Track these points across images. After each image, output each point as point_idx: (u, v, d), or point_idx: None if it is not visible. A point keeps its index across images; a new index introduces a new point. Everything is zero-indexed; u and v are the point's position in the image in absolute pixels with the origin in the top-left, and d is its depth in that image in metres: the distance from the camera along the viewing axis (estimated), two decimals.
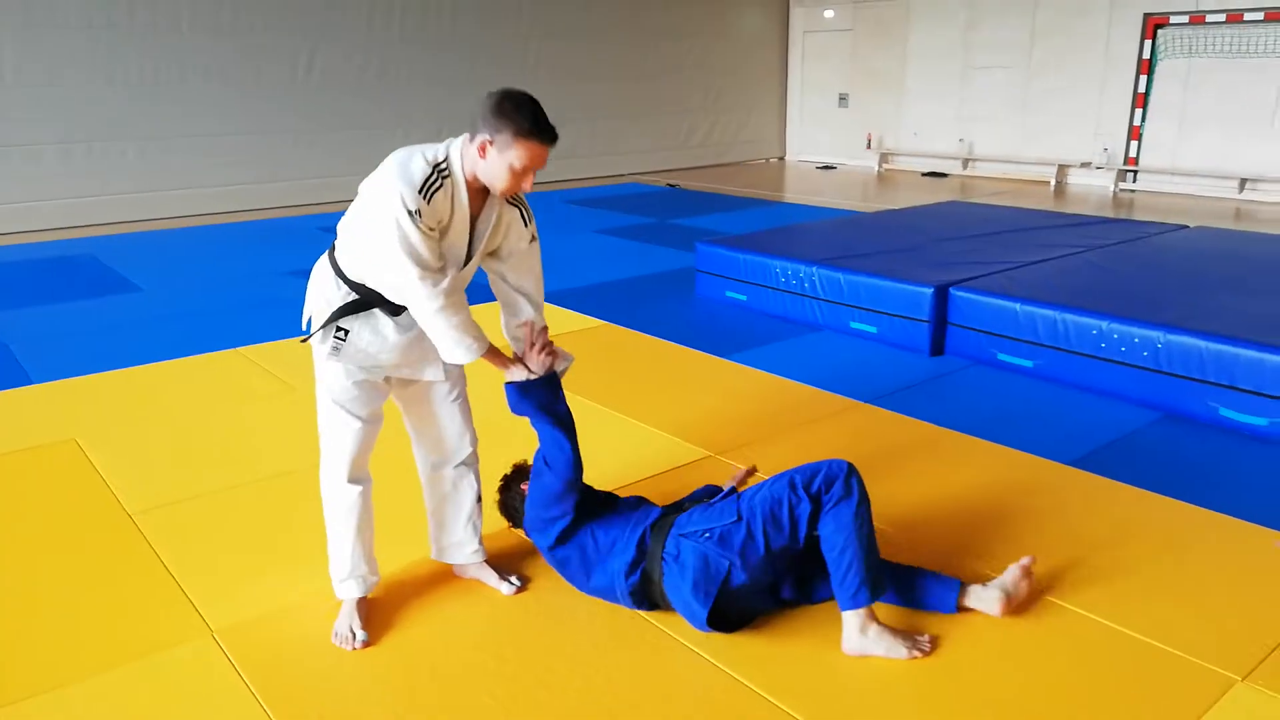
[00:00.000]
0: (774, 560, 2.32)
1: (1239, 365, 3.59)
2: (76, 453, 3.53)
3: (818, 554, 2.35)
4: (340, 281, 2.30)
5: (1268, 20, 9.57)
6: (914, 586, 2.43)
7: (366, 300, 2.29)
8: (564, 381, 2.49)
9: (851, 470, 2.30)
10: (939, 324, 4.62)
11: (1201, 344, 3.70)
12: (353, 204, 2.28)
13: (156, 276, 6.72)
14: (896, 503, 3.01)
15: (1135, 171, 10.82)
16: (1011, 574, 2.51)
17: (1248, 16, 9.68)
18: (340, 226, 2.33)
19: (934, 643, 2.31)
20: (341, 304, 2.29)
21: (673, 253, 7.38)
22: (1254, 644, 2.29)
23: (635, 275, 6.65)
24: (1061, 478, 3.25)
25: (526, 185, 2.20)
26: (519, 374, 2.41)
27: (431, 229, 2.15)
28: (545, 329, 2.47)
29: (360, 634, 2.37)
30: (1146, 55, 10.51)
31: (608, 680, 2.21)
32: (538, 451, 2.48)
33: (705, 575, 2.29)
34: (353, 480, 2.40)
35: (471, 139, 2.17)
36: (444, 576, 2.66)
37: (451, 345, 2.23)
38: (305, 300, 2.40)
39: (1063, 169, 11.36)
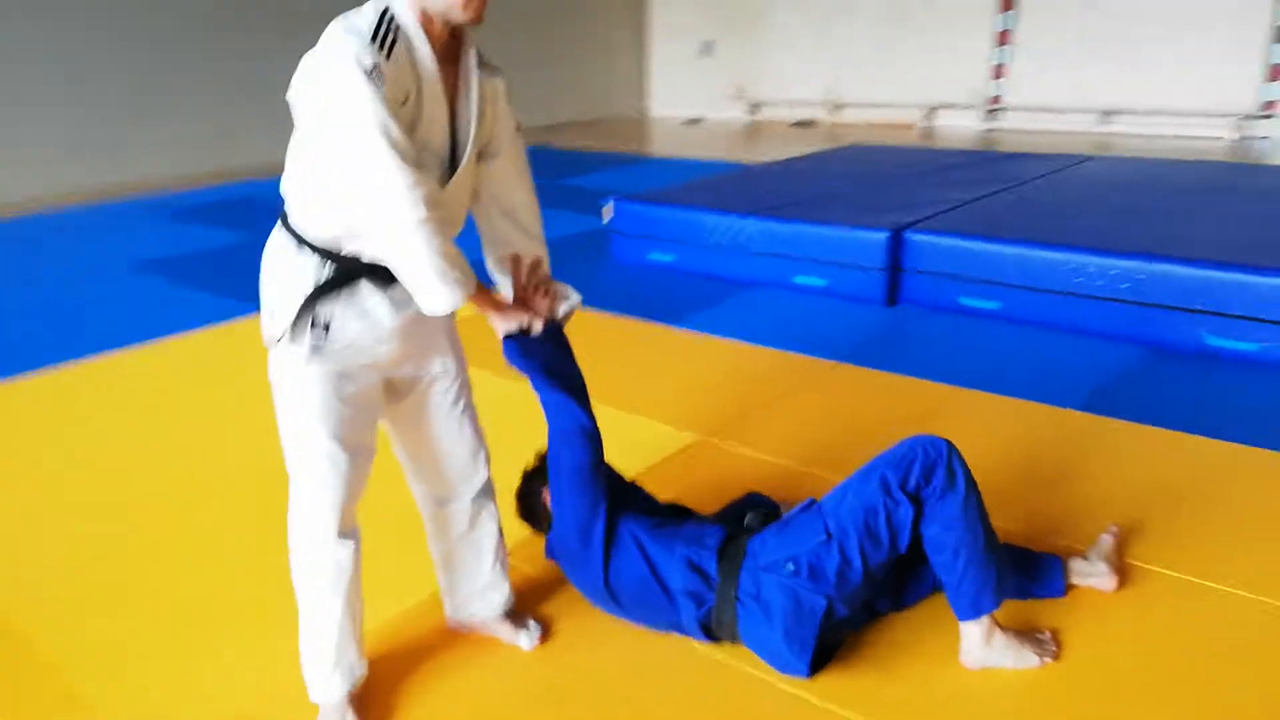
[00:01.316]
0: (873, 579, 1.91)
1: (1227, 290, 3.45)
2: None
3: (912, 551, 1.96)
4: (306, 249, 1.68)
5: None
6: (1015, 571, 2.08)
7: (346, 271, 1.68)
8: None
9: (951, 450, 1.90)
10: (893, 271, 4.32)
11: (1186, 271, 3.54)
12: (294, 131, 1.66)
13: None
14: None
15: (1001, 110, 11.01)
16: (1106, 543, 2.22)
17: None
18: (285, 177, 1.71)
19: (1057, 640, 1.97)
20: (315, 283, 1.68)
21: (570, 215, 6.82)
22: None
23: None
24: (1076, 424, 3.00)
25: None
26: (513, 323, 1.84)
27: (400, 102, 1.54)
28: (540, 262, 1.92)
29: None
30: None
31: None
32: (551, 441, 1.97)
33: (798, 619, 1.85)
34: (343, 535, 1.79)
35: None
36: (436, 637, 2.10)
37: (434, 279, 1.57)
38: (261, 295, 1.78)
39: (930, 111, 11.44)
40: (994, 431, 2.95)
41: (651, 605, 1.98)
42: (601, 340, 4.07)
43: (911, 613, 2.07)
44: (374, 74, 1.49)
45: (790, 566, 1.88)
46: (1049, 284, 3.88)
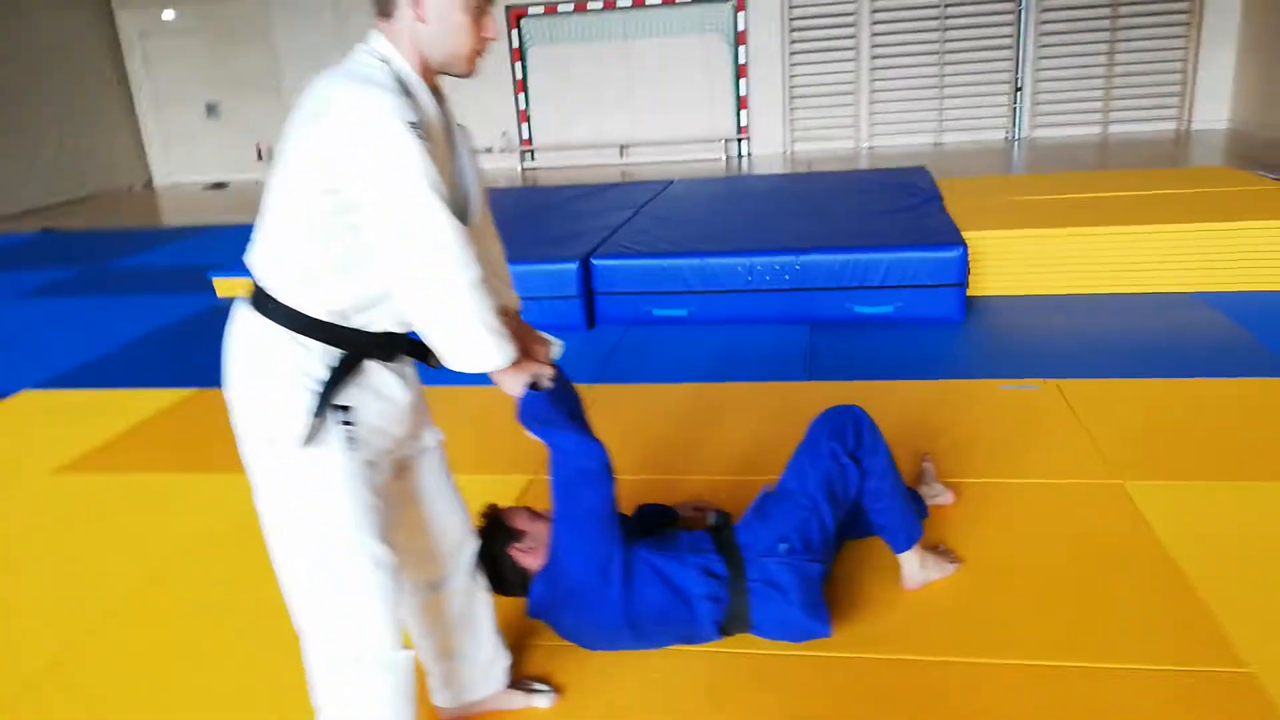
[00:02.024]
0: (836, 535, 2.18)
1: (866, 267, 4.34)
2: None
3: None
4: (304, 337, 1.47)
5: (607, 9, 11.27)
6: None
7: (356, 351, 1.52)
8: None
9: (862, 413, 2.25)
10: (588, 296, 4.63)
11: (833, 257, 4.37)
12: (278, 189, 1.47)
13: None
14: (723, 461, 3.01)
15: (532, 151, 11.93)
16: (930, 469, 2.75)
17: (590, 6, 11.27)
18: (265, 253, 1.49)
19: (949, 548, 2.41)
20: (326, 369, 1.48)
21: (180, 298, 6.00)
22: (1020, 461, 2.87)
23: (146, 332, 5.27)
24: (788, 391, 3.59)
25: (491, 31, 1.59)
26: (529, 377, 1.74)
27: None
28: (518, 311, 1.89)
29: None
30: (516, 44, 11.57)
31: None
32: (568, 487, 1.92)
33: (809, 589, 2.05)
34: (399, 644, 1.58)
35: (385, 12, 1.51)
36: None
37: (486, 338, 1.50)
38: (239, 393, 1.48)
39: None
40: (725, 413, 3.40)
41: (672, 621, 2.03)
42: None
43: (839, 566, 2.36)
44: (418, 129, 1.41)
45: (784, 546, 2.07)
46: (727, 285, 4.50)
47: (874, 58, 10.92)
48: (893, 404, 3.20)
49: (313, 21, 11.87)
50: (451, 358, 1.52)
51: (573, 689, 2.00)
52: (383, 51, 1.50)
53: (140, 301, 6.01)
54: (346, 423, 1.49)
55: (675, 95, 11.30)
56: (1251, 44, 10.11)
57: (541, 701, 1.96)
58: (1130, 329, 4.15)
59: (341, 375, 1.49)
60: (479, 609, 1.89)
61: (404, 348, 1.60)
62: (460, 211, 1.58)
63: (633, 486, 2.82)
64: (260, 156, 12.34)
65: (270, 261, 1.48)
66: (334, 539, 1.51)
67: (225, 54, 12.20)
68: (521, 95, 11.74)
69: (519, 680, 2.00)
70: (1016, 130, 11.01)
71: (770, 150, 11.39)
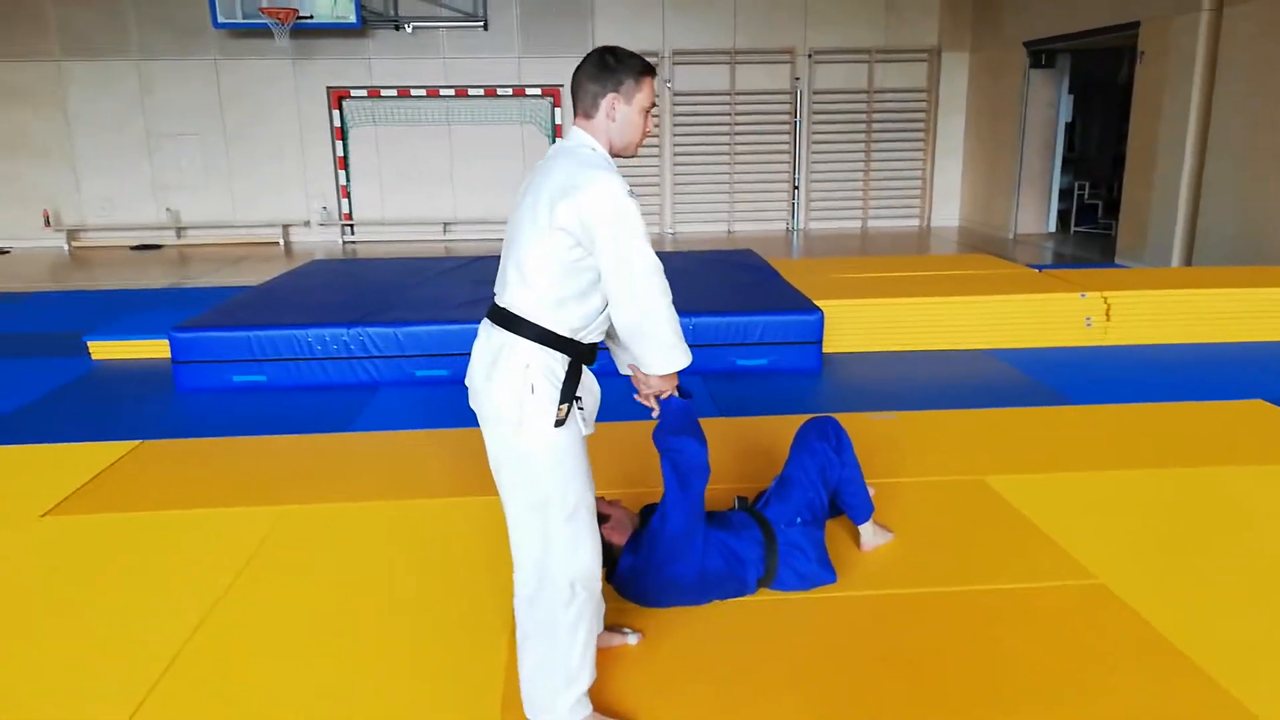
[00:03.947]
0: None
1: (745, 327, 5.25)
2: None
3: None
4: (551, 348, 2.07)
5: (430, 96, 11.87)
6: None
7: (579, 357, 2.12)
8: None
9: (834, 420, 3.07)
10: None
11: (720, 320, 5.25)
12: (534, 242, 2.06)
13: None
14: None
15: (353, 225, 12.15)
16: None
17: (414, 92, 11.83)
18: (528, 292, 2.06)
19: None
20: (565, 370, 2.07)
21: (27, 363, 5.84)
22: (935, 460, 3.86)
23: (29, 399, 5.17)
24: (723, 424, 4.39)
25: (651, 127, 2.22)
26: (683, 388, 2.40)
27: None
28: None
29: None
30: (338, 123, 11.87)
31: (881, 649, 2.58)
32: (686, 475, 2.53)
33: (819, 548, 2.80)
34: (600, 576, 2.19)
35: (589, 114, 2.15)
36: None
37: (676, 343, 2.14)
38: (504, 395, 2.04)
39: (287, 229, 12.00)
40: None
41: (729, 579, 2.69)
42: (293, 453, 4.09)
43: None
44: (632, 193, 2.07)
45: (800, 519, 2.81)
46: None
47: (676, 154, 12.27)
48: (788, 432, 4.04)
49: (110, 90, 11.53)
50: (644, 358, 2.15)
51: (650, 630, 2.60)
52: (590, 142, 2.14)
53: (8, 365, 5.79)
54: (580, 409, 2.08)
55: (496, 177, 12.03)
56: (971, 158, 12.46)
57: (633, 639, 2.54)
58: (948, 374, 5.34)
59: (575, 375, 2.08)
60: None
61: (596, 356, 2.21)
62: None
63: (628, 500, 3.45)
64: (48, 223, 11.64)
65: (528, 293, 2.06)
66: (573, 492, 2.07)
67: (14, 119, 11.50)
68: (342, 171, 11.98)
69: (611, 625, 2.57)
70: (795, 221, 12.70)
71: None
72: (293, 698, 2.34)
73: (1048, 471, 3.70)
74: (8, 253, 11.44)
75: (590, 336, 2.14)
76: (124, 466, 3.92)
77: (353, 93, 11.76)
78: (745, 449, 3.85)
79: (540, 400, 2.03)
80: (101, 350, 5.88)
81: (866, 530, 3.06)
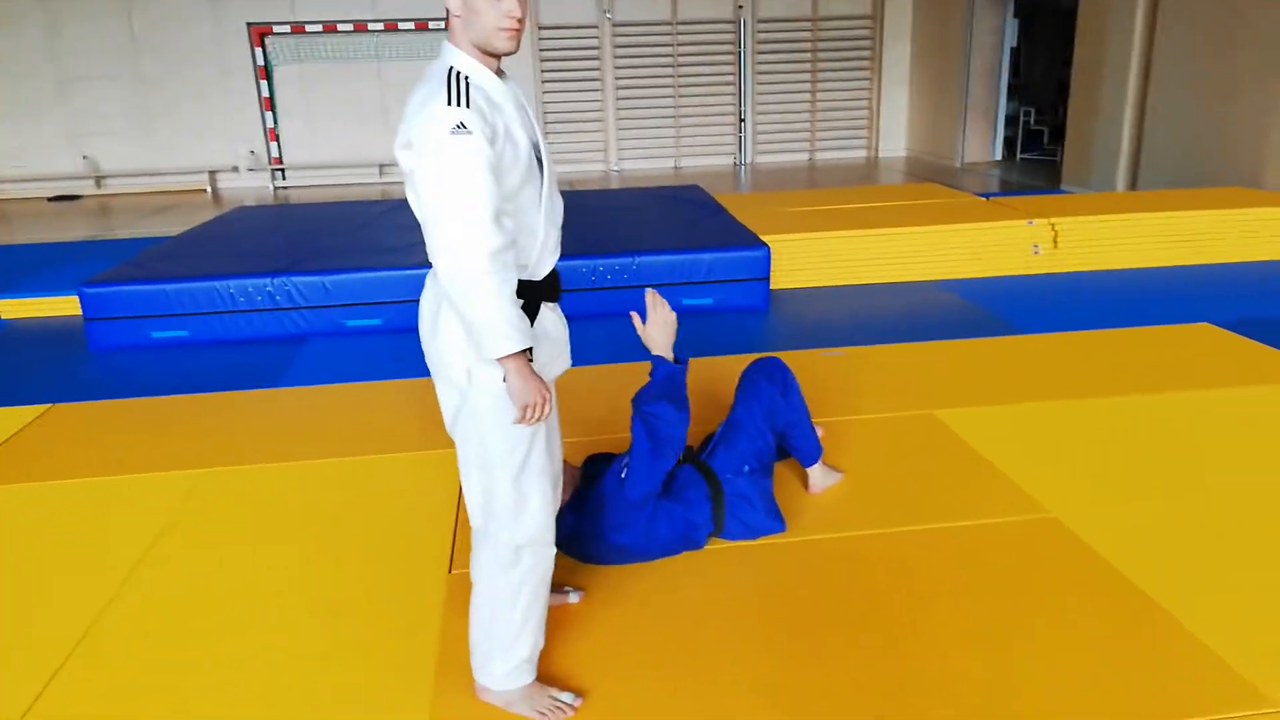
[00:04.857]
0: None
1: (690, 265, 5.08)
2: None
3: None
4: None
5: (357, 31, 11.34)
6: None
7: (533, 294, 1.91)
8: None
9: (781, 361, 2.94)
10: None
11: (664, 258, 5.07)
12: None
13: None
14: None
15: (283, 170, 11.65)
16: None
17: (340, 27, 11.28)
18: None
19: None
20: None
21: None
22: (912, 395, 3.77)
23: None
24: None
25: (518, 9, 1.78)
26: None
27: (491, 140, 1.73)
28: None
29: (567, 695, 2.05)
30: (261, 62, 11.30)
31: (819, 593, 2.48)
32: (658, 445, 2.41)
33: (767, 497, 2.69)
34: (552, 542, 2.03)
35: (448, 23, 1.82)
36: None
37: (497, 330, 1.75)
38: (436, 354, 1.87)
39: (214, 175, 11.48)
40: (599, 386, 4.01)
41: (682, 540, 2.56)
42: (219, 410, 3.87)
43: None
44: (461, 129, 1.69)
45: (747, 467, 2.69)
46: (573, 285, 5.03)
47: (618, 89, 11.92)
48: (736, 371, 3.93)
49: (14, 31, 10.83)
50: (475, 343, 1.82)
51: (593, 588, 2.47)
52: (447, 60, 1.79)
53: None
54: (530, 359, 1.85)
55: None
56: (917, 86, 12.30)
57: (574, 598, 2.41)
58: (898, 308, 5.24)
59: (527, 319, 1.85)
60: None
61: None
62: (531, 172, 1.86)
63: (571, 449, 3.31)
64: None
65: None
66: (520, 449, 1.89)
67: None
68: (269, 113, 11.45)
69: (553, 585, 2.43)
70: (743, 155, 12.49)
71: None
72: (211, 671, 2.18)
73: (998, 403, 3.63)
74: None
75: (543, 269, 1.93)
76: (32, 433, 3.68)
77: (275, 29, 11.18)
78: (692, 391, 3.70)
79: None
80: (9, 309, 5.54)
81: (815, 472, 2.95)
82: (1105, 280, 5.78)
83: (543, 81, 11.66)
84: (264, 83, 11.34)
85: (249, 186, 11.60)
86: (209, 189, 11.45)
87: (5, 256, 7.42)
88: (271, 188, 11.52)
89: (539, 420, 1.85)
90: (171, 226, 8.63)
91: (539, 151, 1.91)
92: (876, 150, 12.72)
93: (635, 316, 2.44)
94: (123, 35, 11.00)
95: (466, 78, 1.76)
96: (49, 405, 3.95)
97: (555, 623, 2.29)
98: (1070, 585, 2.41)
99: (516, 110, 1.85)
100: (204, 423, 3.74)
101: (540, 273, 1.93)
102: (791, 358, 4.24)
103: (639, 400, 2.40)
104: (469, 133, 1.70)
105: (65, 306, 5.39)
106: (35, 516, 3.00)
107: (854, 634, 2.24)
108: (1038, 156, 11.68)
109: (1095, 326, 4.67)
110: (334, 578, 2.58)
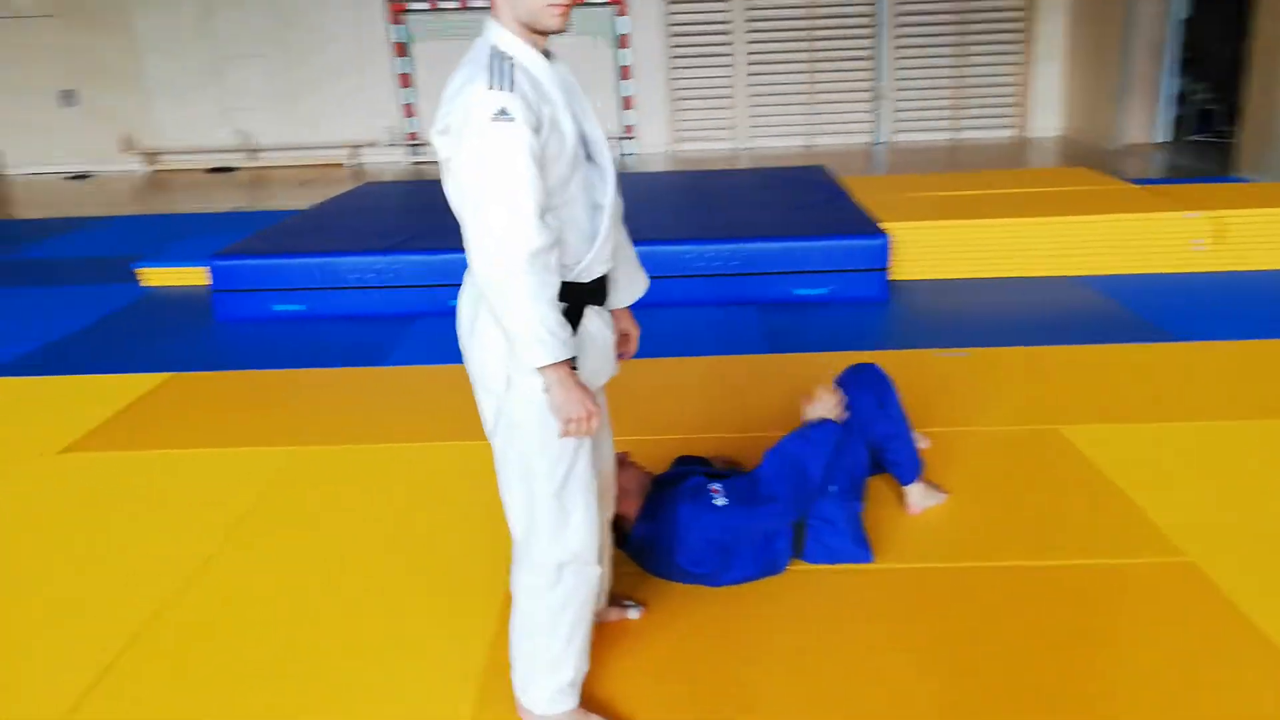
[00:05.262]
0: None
1: (805, 254, 4.84)
2: None
3: None
4: None
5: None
6: None
7: (578, 298, 1.75)
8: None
9: (880, 370, 2.70)
10: None
11: (775, 245, 4.85)
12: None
13: None
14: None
15: (417, 145, 11.93)
16: None
17: (475, 4, 11.40)
18: None
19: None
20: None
21: (82, 289, 5.83)
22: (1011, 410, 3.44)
23: (79, 324, 5.13)
24: (777, 362, 4.05)
25: None
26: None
27: (537, 129, 1.59)
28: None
29: None
30: (399, 38, 11.55)
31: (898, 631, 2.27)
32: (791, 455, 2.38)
33: (855, 524, 2.48)
34: (599, 559, 1.90)
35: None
36: None
37: (537, 337, 1.61)
38: (474, 359, 1.78)
39: (356, 149, 11.86)
40: (703, 380, 3.83)
41: (755, 571, 2.38)
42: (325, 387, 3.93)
43: None
44: (504, 115, 1.55)
45: (834, 487, 2.48)
46: (679, 270, 4.89)
47: (750, 64, 11.59)
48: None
49: (174, 13, 11.44)
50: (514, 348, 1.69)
51: (656, 603, 2.33)
52: (491, 37, 1.66)
53: (56, 293, 5.80)
54: (573, 368, 1.71)
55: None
56: (1073, 61, 11.43)
57: (633, 614, 2.28)
58: (1031, 306, 4.83)
59: (571, 325, 1.72)
60: (607, 539, 2.17)
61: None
62: (579, 160, 1.71)
63: (661, 446, 3.17)
64: (126, 147, 11.76)
65: None
66: (564, 462, 1.77)
67: (83, 42, 11.55)
68: (405, 90, 11.72)
69: (614, 597, 2.31)
70: (879, 134, 11.95)
71: (655, 150, 11.87)
72: (259, 660, 2.17)
73: (1136, 421, 3.26)
74: (89, 177, 11.63)
75: (593, 270, 1.77)
76: (151, 401, 3.84)
77: (412, 6, 11.40)
78: (793, 391, 3.49)
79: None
80: (150, 277, 5.83)
81: (914, 491, 2.71)
82: (1278, 283, 5.16)
83: (672, 57, 11.47)
84: (401, 60, 11.59)
85: (387, 161, 11.93)
86: (351, 163, 11.84)
87: (157, 226, 7.86)
88: (406, 163, 11.81)
89: (585, 434, 1.72)
90: (314, 199, 8.95)
91: (587, 143, 1.76)
92: (1026, 130, 11.93)
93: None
94: (270, 14, 11.45)
95: (511, 59, 1.62)
96: (170, 374, 4.12)
97: (610, 639, 2.17)
98: (1203, 648, 2.10)
99: (564, 95, 1.69)
100: (307, 399, 3.81)
101: (590, 275, 1.78)
102: (906, 357, 3.98)
103: (788, 446, 2.35)
104: (511, 119, 1.56)
105: (199, 277, 5.62)
106: (134, 486, 3.11)
107: (935, 682, 2.02)
108: (1209, 139, 10.65)
109: (1263, 336, 4.17)
110: (405, 568, 2.55)
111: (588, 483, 1.83)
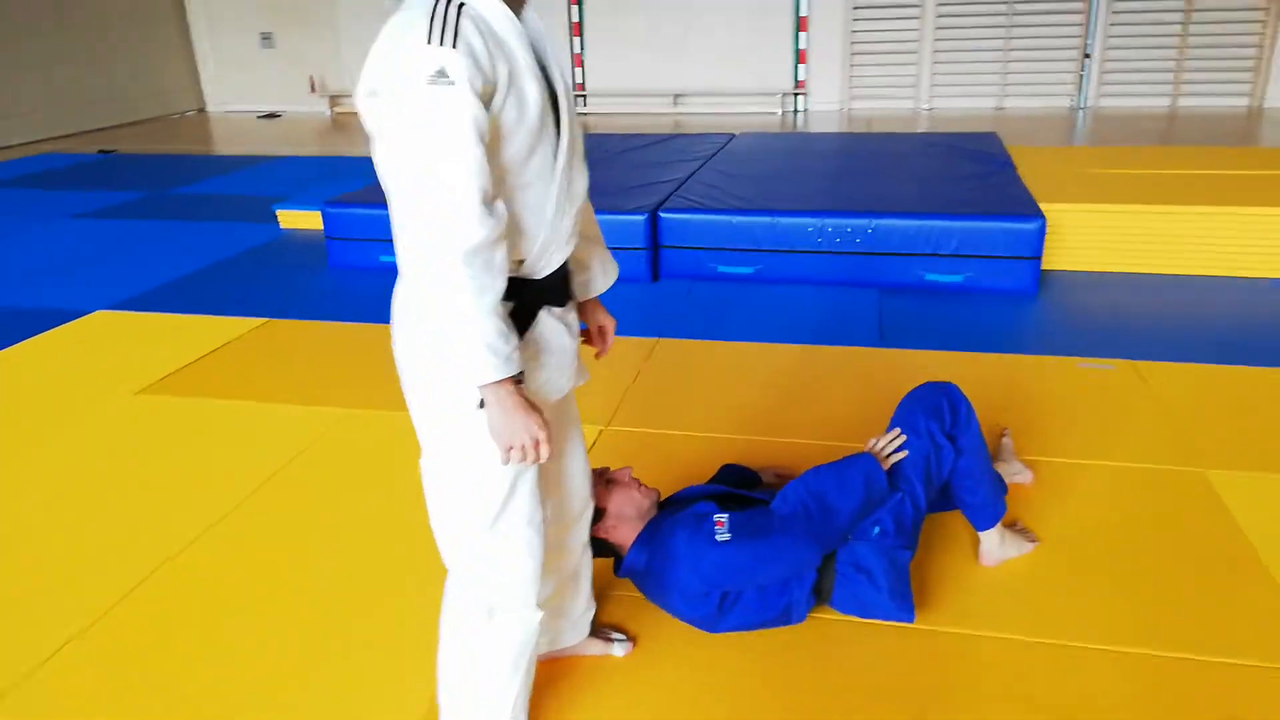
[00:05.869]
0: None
1: (939, 235, 4.27)
2: None
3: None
4: None
5: None
6: None
7: (531, 297, 1.48)
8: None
9: (957, 389, 2.24)
10: (654, 249, 4.62)
11: (907, 223, 4.31)
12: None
13: None
14: (809, 424, 3.01)
15: (585, 96, 11.80)
16: (1008, 446, 2.73)
17: None
18: None
19: (1027, 527, 2.40)
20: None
21: (229, 226, 6.06)
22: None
23: (213, 260, 5.32)
24: (884, 357, 3.57)
25: None
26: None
27: (489, 96, 1.29)
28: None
29: None
30: None
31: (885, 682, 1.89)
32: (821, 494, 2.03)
33: (898, 577, 2.05)
34: (540, 603, 1.62)
35: None
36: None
37: (472, 350, 1.33)
38: (403, 369, 1.51)
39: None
40: (790, 372, 3.41)
41: (764, 624, 2.03)
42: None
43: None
44: (441, 76, 1.26)
45: (877, 529, 2.06)
46: (796, 245, 4.46)
47: (939, 16, 10.63)
48: (968, 376, 3.14)
49: None
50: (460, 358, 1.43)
51: (646, 638, 2.03)
52: None
53: (205, 228, 6.05)
54: (517, 382, 1.42)
55: (732, 46, 11.08)
56: None
57: (618, 650, 1.99)
58: (1210, 313, 4.07)
59: (518, 330, 1.46)
60: (585, 567, 1.91)
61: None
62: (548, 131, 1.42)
63: (712, 445, 2.84)
64: (314, 89, 12.31)
65: None
66: (500, 494, 1.51)
67: None
68: (577, 39, 11.58)
69: (599, 628, 2.03)
70: (1082, 98, 10.72)
71: (827, 107, 11.19)
72: (259, 616, 2.05)
73: None
74: (279, 116, 12.27)
75: (546, 265, 1.48)
76: (236, 347, 3.88)
77: None
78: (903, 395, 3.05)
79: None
80: (289, 219, 5.97)
81: (990, 539, 2.26)
82: None
83: (854, 7, 10.69)
84: (574, 8, 11.44)
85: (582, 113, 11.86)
86: None
87: (325, 167, 8.07)
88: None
89: (530, 463, 1.43)
90: None
91: (558, 109, 1.43)
92: (1262, 100, 10.34)
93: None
94: None
95: (460, 4, 1.30)
96: (263, 320, 4.15)
97: (583, 677, 1.91)
98: None
99: (527, 52, 1.37)
100: (378, 355, 3.72)
101: (543, 270, 1.48)
102: (1041, 365, 3.44)
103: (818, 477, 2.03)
104: (450, 83, 1.26)
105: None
106: (188, 435, 3.12)
107: None
108: None
109: None
110: (416, 537, 2.38)
111: (529, 515, 1.54)
